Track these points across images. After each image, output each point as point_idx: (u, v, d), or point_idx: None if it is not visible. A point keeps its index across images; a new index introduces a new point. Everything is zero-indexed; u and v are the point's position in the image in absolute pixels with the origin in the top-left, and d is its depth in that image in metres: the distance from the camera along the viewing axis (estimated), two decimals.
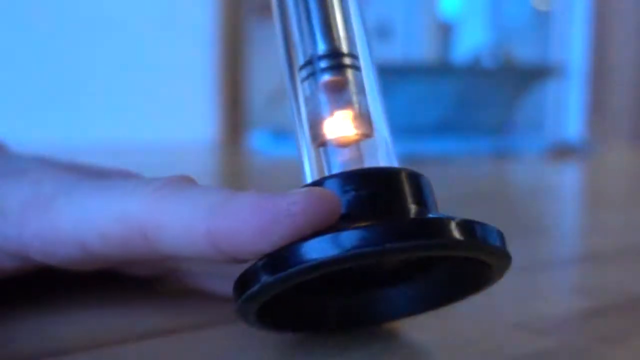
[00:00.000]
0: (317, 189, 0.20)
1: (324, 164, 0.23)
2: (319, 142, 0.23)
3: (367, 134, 0.23)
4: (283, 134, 1.28)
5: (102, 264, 0.25)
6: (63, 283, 0.29)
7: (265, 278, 0.19)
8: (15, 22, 1.42)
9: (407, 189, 0.21)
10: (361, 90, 0.23)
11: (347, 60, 0.23)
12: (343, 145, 0.22)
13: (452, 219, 0.20)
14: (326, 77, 0.23)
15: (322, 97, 0.23)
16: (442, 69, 1.39)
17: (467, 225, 0.20)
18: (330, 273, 0.19)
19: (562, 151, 1.36)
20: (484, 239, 0.21)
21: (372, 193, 0.21)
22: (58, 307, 0.27)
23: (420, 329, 0.25)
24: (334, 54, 0.23)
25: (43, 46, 1.45)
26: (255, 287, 0.19)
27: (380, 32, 2.86)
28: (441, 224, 0.20)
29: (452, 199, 0.66)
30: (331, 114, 0.22)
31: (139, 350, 0.23)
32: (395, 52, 2.83)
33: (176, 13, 1.62)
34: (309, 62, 0.23)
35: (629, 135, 2.13)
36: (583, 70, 2.24)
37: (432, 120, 1.28)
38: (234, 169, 0.96)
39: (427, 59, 2.85)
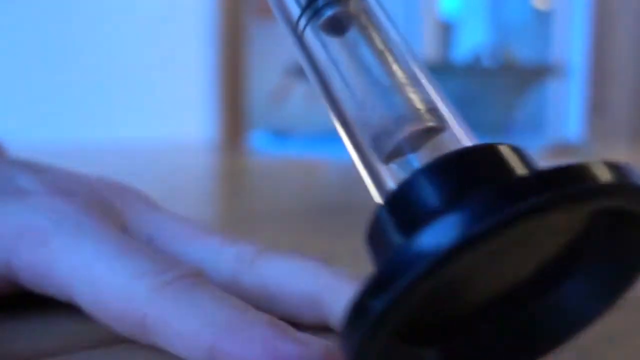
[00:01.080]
0: (333, 347, 0.20)
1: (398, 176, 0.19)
2: (388, 154, 0.19)
3: (441, 127, 0.19)
4: (283, 133, 1.28)
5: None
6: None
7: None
8: (13, 21, 1.42)
9: (518, 159, 0.17)
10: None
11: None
12: (419, 146, 0.19)
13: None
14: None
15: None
16: (442, 69, 1.39)
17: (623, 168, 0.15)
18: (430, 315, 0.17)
19: (562, 150, 1.36)
20: None
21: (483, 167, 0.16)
22: (28, 313, 0.27)
23: None
24: None
25: (41, 45, 1.45)
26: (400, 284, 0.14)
27: None
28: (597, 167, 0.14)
29: None
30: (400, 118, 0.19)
31: (113, 355, 0.23)
32: None
33: (176, 12, 1.62)
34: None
35: (628, 135, 2.13)
36: (583, 69, 2.25)
37: None
38: (234, 169, 0.96)
39: (427, 58, 2.86)
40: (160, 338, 0.21)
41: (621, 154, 1.59)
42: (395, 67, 0.20)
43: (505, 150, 0.17)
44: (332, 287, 0.24)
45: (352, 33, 0.20)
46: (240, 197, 0.66)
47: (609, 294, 0.19)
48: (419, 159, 0.18)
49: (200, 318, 0.20)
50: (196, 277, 0.22)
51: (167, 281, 0.21)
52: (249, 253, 0.25)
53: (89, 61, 1.50)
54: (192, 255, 0.26)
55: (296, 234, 0.46)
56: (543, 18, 2.74)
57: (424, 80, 0.20)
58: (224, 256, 0.25)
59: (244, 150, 1.36)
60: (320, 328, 0.25)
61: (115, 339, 0.24)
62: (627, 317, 0.28)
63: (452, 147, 0.18)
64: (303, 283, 0.24)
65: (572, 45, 2.30)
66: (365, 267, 0.37)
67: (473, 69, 1.40)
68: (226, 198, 0.67)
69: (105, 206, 0.25)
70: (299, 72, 1.39)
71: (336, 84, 0.20)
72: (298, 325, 0.23)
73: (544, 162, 1.19)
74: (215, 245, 0.26)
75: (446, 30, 3.15)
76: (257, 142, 1.39)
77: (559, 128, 2.27)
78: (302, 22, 0.21)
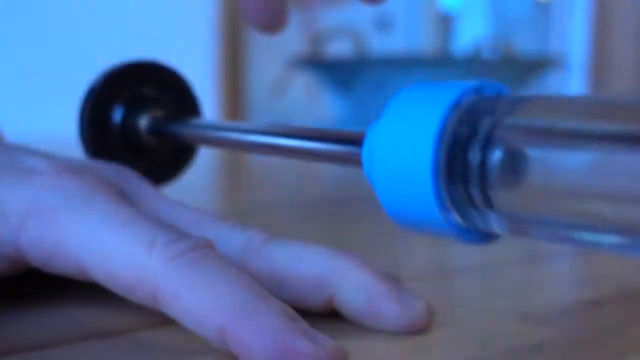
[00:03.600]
0: (341, 347, 0.20)
1: None
2: None
3: None
4: None
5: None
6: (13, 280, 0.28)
7: None
8: (13, 15, 1.42)
9: None
10: None
11: None
12: None
13: None
14: None
15: None
16: (442, 61, 1.39)
17: None
18: None
19: None
20: None
21: None
22: (27, 303, 0.27)
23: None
24: None
25: (42, 40, 1.44)
26: None
27: (380, 24, 2.86)
28: None
29: None
30: None
31: (97, 350, 0.23)
32: (396, 43, 2.82)
33: (176, 5, 1.62)
34: None
35: None
36: (583, 62, 2.24)
37: None
38: (234, 161, 0.96)
39: (427, 50, 2.85)
40: (171, 310, 0.21)
41: None
42: None
43: None
44: (342, 271, 0.24)
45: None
46: (240, 190, 0.66)
47: None
48: None
49: (212, 297, 0.20)
50: (208, 249, 0.22)
51: (181, 251, 0.21)
52: (259, 239, 0.26)
53: (88, 52, 1.50)
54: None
55: (300, 225, 0.46)
56: (543, 10, 2.73)
57: None
58: (234, 241, 0.25)
59: None
60: (328, 314, 0.25)
61: (116, 330, 0.24)
62: (626, 307, 0.28)
63: None
64: (311, 267, 0.24)
65: (572, 37, 2.30)
66: (372, 254, 0.37)
67: (473, 61, 1.40)
68: (226, 190, 0.67)
69: (114, 186, 0.26)
70: (300, 64, 1.39)
71: None
72: (305, 311, 0.23)
73: None
74: (225, 231, 0.26)
75: (446, 22, 3.14)
76: None
77: None
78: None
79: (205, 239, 0.22)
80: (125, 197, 0.25)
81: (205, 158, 1.04)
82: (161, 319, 0.23)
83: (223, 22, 1.69)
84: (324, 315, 0.25)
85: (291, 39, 3.04)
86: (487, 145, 0.17)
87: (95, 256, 0.22)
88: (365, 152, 0.20)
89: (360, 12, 2.86)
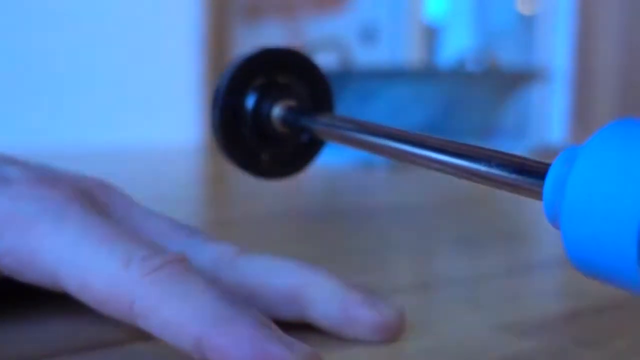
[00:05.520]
0: (316, 353, 0.20)
1: None
2: None
3: None
4: None
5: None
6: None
7: None
8: None
9: None
10: None
11: None
12: None
13: None
14: None
15: None
16: (427, 73, 1.40)
17: None
18: None
19: (546, 154, 1.37)
20: None
21: None
22: (26, 313, 0.27)
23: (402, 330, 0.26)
24: None
25: (23, 47, 1.44)
26: None
27: (365, 36, 2.87)
28: None
29: (437, 203, 0.66)
30: None
31: (114, 357, 0.23)
32: (381, 55, 2.83)
33: (161, 14, 1.62)
34: None
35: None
36: (567, 75, 2.26)
37: (418, 124, 1.29)
38: (218, 173, 0.96)
39: (412, 62, 2.86)
40: (147, 324, 0.21)
41: None
42: None
43: None
44: (312, 284, 0.25)
45: None
46: (224, 202, 0.66)
47: None
48: None
49: (189, 308, 0.20)
50: (183, 263, 0.22)
51: (156, 267, 0.21)
52: (231, 252, 0.26)
53: (72, 64, 1.50)
54: (174, 250, 0.26)
55: (280, 239, 0.46)
56: (527, 23, 2.75)
57: None
58: (207, 254, 0.26)
59: None
60: (299, 325, 0.25)
61: (115, 340, 0.24)
62: (605, 319, 0.29)
63: None
64: (282, 280, 0.25)
65: (555, 50, 2.32)
66: (347, 271, 0.37)
67: (457, 74, 1.40)
68: (210, 202, 0.67)
69: (89, 197, 0.26)
70: None
71: None
72: (277, 323, 0.24)
73: None
74: (198, 243, 0.26)
75: (431, 34, 3.16)
76: None
77: (543, 132, 2.29)
78: None
79: (180, 253, 0.23)
80: (100, 208, 0.26)
81: (189, 168, 1.04)
82: (144, 333, 0.23)
83: (208, 33, 1.69)
84: (296, 328, 0.25)
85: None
86: None
87: (70, 268, 0.22)
88: (550, 185, 0.19)
89: (346, 24, 2.87)
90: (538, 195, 0.20)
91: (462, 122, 1.33)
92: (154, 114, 1.59)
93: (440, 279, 0.36)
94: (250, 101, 0.30)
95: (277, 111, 0.30)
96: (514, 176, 0.20)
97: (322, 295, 0.24)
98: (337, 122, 0.28)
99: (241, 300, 0.23)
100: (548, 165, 0.20)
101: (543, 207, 0.19)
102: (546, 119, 2.31)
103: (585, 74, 2.22)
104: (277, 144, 0.31)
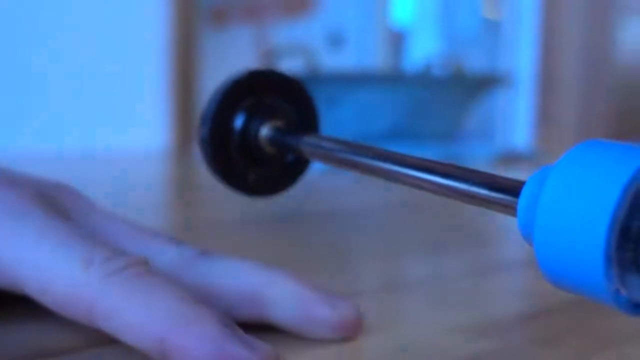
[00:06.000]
0: (276, 352, 0.21)
1: None
2: None
3: None
4: None
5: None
6: None
7: None
8: None
9: None
10: None
11: None
12: None
13: None
14: None
15: None
16: (393, 78, 1.40)
17: None
18: None
19: (510, 158, 1.38)
20: None
21: None
22: (23, 312, 0.27)
23: (363, 332, 0.26)
24: None
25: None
26: None
27: (332, 41, 2.88)
28: None
29: (403, 206, 0.67)
30: None
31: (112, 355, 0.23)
32: (348, 60, 2.84)
33: (128, 19, 1.61)
34: None
35: (575, 143, 2.17)
36: (531, 79, 2.29)
37: (384, 128, 1.29)
38: (185, 178, 0.96)
39: (379, 67, 2.88)
40: (109, 326, 0.21)
41: None
42: None
43: None
44: (271, 284, 0.25)
45: None
46: (191, 206, 0.66)
47: None
48: None
49: (151, 309, 0.20)
50: (144, 265, 0.22)
51: (116, 269, 0.21)
52: (191, 253, 0.26)
53: (38, 69, 1.48)
54: (135, 253, 0.26)
55: (244, 243, 0.46)
56: (493, 28, 2.78)
57: None
58: (168, 255, 0.26)
59: (195, 158, 1.36)
60: (260, 325, 0.25)
61: (78, 346, 0.24)
62: (561, 319, 0.29)
63: None
64: (242, 280, 0.25)
65: (520, 55, 2.34)
66: (312, 273, 0.37)
67: (423, 78, 1.41)
68: (177, 207, 0.67)
69: (50, 199, 0.26)
70: None
71: None
72: (238, 323, 0.24)
73: (493, 170, 1.21)
74: (159, 246, 0.26)
75: (398, 39, 3.18)
76: None
77: (508, 137, 2.31)
78: None
79: (140, 256, 0.23)
80: (60, 211, 0.26)
81: (154, 173, 1.04)
82: (109, 337, 0.23)
83: (175, 38, 1.68)
84: (257, 328, 0.25)
85: (244, 56, 3.04)
86: None
87: (30, 270, 0.22)
88: (523, 204, 0.20)
89: (313, 29, 2.88)
90: (514, 212, 0.21)
91: (428, 126, 1.34)
92: (119, 118, 1.58)
93: (405, 280, 0.36)
94: (238, 122, 0.31)
95: (264, 131, 0.31)
96: (491, 194, 0.21)
97: (281, 295, 0.25)
98: (323, 142, 0.29)
99: (202, 301, 0.23)
100: (523, 183, 0.21)
101: (517, 224, 0.20)
102: (511, 122, 2.33)
103: (549, 79, 2.25)
104: (265, 163, 0.32)
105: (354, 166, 0.27)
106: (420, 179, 0.24)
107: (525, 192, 0.20)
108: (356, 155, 0.27)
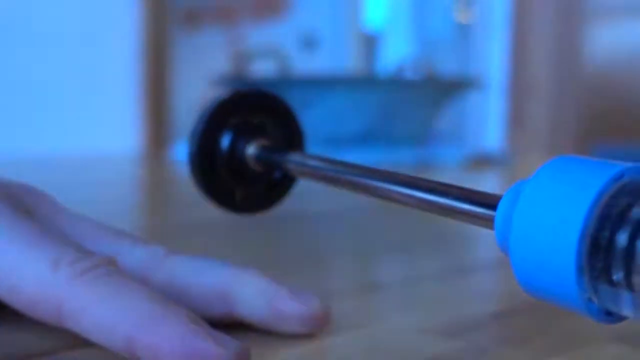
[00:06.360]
0: (245, 348, 0.21)
1: None
2: None
3: None
4: None
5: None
6: None
7: None
8: None
9: None
10: None
11: None
12: None
13: None
14: None
15: None
16: (366, 81, 1.41)
17: None
18: None
19: (481, 161, 1.39)
20: None
21: None
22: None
23: (330, 333, 0.26)
24: None
25: None
26: None
27: (305, 43, 2.88)
28: None
29: (374, 208, 0.67)
30: None
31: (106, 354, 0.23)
32: (321, 63, 2.85)
33: (99, 22, 1.60)
34: None
35: (545, 147, 2.19)
36: (502, 83, 2.31)
37: (356, 131, 1.30)
38: (158, 180, 0.96)
39: (351, 70, 2.89)
40: (77, 326, 0.21)
41: (538, 165, 1.64)
42: None
43: None
44: (239, 281, 0.25)
45: None
46: (162, 209, 0.66)
47: None
48: None
49: (119, 308, 0.20)
50: (112, 265, 0.22)
51: (84, 269, 0.21)
52: (159, 253, 0.26)
53: (9, 73, 1.47)
54: (103, 253, 0.26)
55: (215, 244, 0.46)
56: (465, 32, 2.80)
57: None
58: (135, 255, 0.26)
59: (168, 161, 1.35)
60: (229, 324, 0.25)
61: (51, 349, 0.24)
62: (529, 320, 0.30)
63: None
64: (210, 279, 0.25)
65: (491, 58, 2.36)
66: (283, 274, 0.38)
67: (395, 81, 1.42)
68: (150, 210, 0.67)
69: (16, 201, 0.26)
70: (223, 83, 1.39)
71: None
72: (207, 321, 0.24)
73: (464, 173, 1.22)
74: (127, 246, 0.26)
75: (371, 42, 3.19)
76: (181, 153, 1.38)
77: (479, 140, 2.33)
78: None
79: (108, 256, 0.23)
80: (28, 212, 0.25)
81: (125, 176, 1.03)
82: (82, 340, 0.23)
83: (147, 40, 1.68)
84: (226, 326, 0.25)
85: (216, 58, 3.03)
86: (638, 231, 0.17)
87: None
88: (500, 217, 0.21)
89: (286, 31, 2.88)
90: (492, 225, 0.21)
91: (400, 129, 1.34)
92: (91, 121, 1.57)
93: (375, 281, 0.36)
94: (225, 140, 0.31)
95: (251, 149, 0.31)
96: (470, 208, 0.22)
97: (249, 291, 0.25)
98: (309, 160, 0.30)
99: (171, 299, 0.23)
100: (500, 197, 0.21)
101: (495, 236, 0.21)
102: (482, 125, 2.35)
103: (520, 82, 2.27)
104: (251, 181, 0.33)
105: (340, 183, 0.28)
106: (405, 195, 0.25)
107: (501, 206, 0.21)
108: (341, 173, 0.28)
